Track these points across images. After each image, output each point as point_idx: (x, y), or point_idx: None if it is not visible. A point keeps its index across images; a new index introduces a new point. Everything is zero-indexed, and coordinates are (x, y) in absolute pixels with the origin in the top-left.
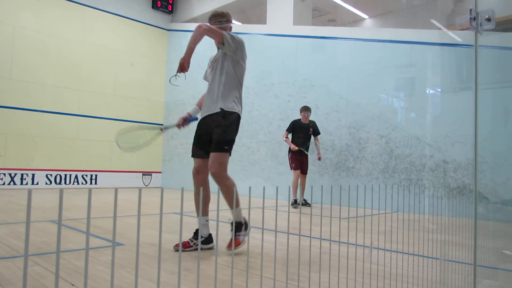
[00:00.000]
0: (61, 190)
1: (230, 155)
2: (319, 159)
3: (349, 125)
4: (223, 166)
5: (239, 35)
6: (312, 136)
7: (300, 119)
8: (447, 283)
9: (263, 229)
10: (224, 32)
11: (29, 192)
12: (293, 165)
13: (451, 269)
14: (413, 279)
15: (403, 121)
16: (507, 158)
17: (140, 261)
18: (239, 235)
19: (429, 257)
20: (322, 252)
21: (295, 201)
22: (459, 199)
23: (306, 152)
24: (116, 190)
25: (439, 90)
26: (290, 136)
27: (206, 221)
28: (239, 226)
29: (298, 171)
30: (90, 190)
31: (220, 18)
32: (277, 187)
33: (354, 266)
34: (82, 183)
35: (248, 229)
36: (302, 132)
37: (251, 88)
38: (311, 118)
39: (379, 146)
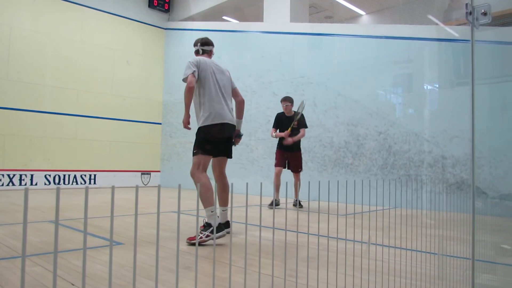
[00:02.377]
0: (58, 189)
1: (203, 154)
2: (287, 140)
3: (347, 122)
4: (194, 166)
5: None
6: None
7: (283, 112)
8: (446, 278)
9: (260, 226)
10: (188, 78)
11: (26, 190)
12: (275, 161)
13: (450, 264)
14: (412, 274)
15: (401, 117)
16: (505, 153)
17: (138, 260)
18: (200, 234)
19: (428, 252)
20: (321, 248)
21: (273, 202)
22: (458, 194)
23: (296, 149)
24: (113, 188)
25: (437, 85)
26: (278, 131)
27: (223, 210)
28: (206, 226)
29: (279, 168)
30: (87, 189)
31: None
32: (274, 184)
33: (353, 262)
34: (81, 183)
35: (210, 231)
36: (285, 126)
37: (249, 86)
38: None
39: (377, 142)
